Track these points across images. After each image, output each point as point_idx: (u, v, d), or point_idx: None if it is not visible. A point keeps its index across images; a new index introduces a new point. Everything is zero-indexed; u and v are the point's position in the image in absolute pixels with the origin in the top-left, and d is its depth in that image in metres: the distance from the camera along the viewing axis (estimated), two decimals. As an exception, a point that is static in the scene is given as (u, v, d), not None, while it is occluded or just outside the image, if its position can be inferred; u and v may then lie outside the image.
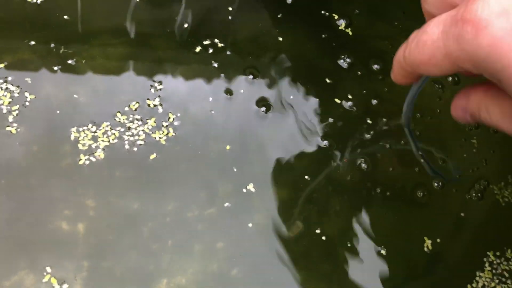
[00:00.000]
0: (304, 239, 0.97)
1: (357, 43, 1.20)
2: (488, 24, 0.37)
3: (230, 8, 1.16)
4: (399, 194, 1.07)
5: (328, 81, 1.13)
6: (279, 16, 1.20)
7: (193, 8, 1.15)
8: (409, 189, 1.08)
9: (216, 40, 1.11)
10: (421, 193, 1.07)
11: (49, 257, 0.86)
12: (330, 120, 1.08)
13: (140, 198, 0.93)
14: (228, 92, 1.06)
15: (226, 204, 0.96)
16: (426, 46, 0.46)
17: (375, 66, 1.17)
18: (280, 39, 1.16)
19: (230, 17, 1.15)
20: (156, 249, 0.91)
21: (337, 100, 1.10)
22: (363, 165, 1.06)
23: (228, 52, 1.10)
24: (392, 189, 1.06)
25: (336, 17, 1.21)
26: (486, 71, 0.41)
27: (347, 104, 1.12)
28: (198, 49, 1.09)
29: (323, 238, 0.97)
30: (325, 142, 1.06)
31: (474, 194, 1.11)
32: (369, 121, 1.10)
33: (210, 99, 1.05)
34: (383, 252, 0.99)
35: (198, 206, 0.95)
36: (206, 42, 1.10)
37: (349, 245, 0.98)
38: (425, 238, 1.03)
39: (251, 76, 1.09)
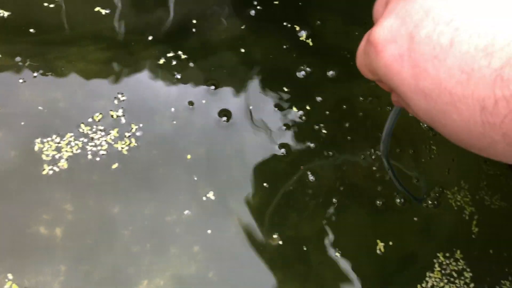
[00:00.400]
0: (283, 245, 1.02)
1: (317, 53, 1.24)
2: (383, 49, 0.42)
3: (194, 21, 1.20)
4: (358, 200, 1.12)
5: (286, 89, 1.17)
6: (242, 27, 1.24)
7: (159, 21, 1.18)
8: (367, 196, 1.13)
9: (180, 52, 1.15)
10: (380, 202, 1.13)
11: (26, 262, 0.89)
12: (289, 129, 1.13)
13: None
14: (190, 103, 1.10)
15: (186, 212, 1.00)
16: (358, 56, 0.53)
17: (331, 73, 1.22)
18: (242, 50, 1.20)
19: (194, 30, 1.19)
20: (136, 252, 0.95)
21: (295, 109, 1.15)
22: (318, 173, 1.11)
23: (191, 64, 1.14)
24: (350, 196, 1.11)
25: (297, 28, 1.25)
26: (388, 85, 0.46)
27: (305, 113, 1.16)
28: (162, 61, 1.13)
29: (294, 242, 1.03)
30: (283, 150, 1.11)
31: (430, 202, 1.17)
32: (324, 131, 1.15)
33: (173, 109, 1.08)
34: (338, 254, 1.04)
35: (158, 213, 0.99)
36: (170, 54, 1.14)
37: (316, 247, 1.03)
38: (378, 241, 1.09)
39: (212, 87, 1.13)
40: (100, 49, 1.12)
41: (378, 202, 1.12)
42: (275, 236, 1.03)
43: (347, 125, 1.17)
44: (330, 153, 1.14)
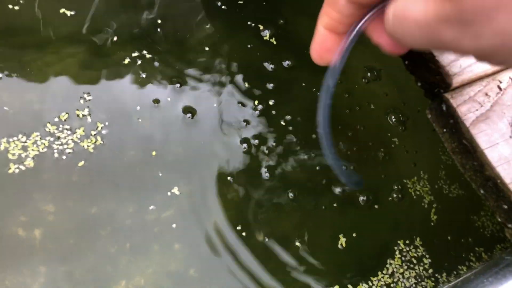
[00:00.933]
0: (253, 239, 1.06)
1: (280, 51, 1.27)
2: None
3: (159, 21, 1.22)
4: (318, 195, 1.16)
5: (247, 85, 1.20)
6: (207, 26, 1.26)
7: (124, 21, 1.20)
8: (320, 189, 1.17)
9: (145, 52, 1.17)
10: (340, 190, 1.17)
11: (5, 265, 0.93)
12: (251, 124, 1.16)
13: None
14: (156, 101, 1.13)
15: (151, 207, 1.03)
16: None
17: (287, 63, 1.26)
18: (207, 48, 1.23)
19: (158, 29, 1.21)
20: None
21: (258, 105, 1.18)
22: (285, 168, 1.15)
23: (156, 63, 1.17)
24: (304, 190, 1.15)
25: (261, 27, 1.28)
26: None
27: (267, 109, 1.20)
28: (127, 60, 1.15)
29: (268, 239, 1.07)
30: (245, 145, 1.14)
31: (395, 195, 1.21)
32: (290, 127, 1.19)
33: (138, 108, 1.11)
34: (301, 246, 1.09)
35: (124, 209, 1.02)
36: (135, 54, 1.16)
37: (283, 242, 1.08)
38: (340, 236, 1.13)
39: (177, 85, 1.16)
40: (65, 49, 1.14)
41: (338, 191, 1.16)
42: (238, 228, 1.07)
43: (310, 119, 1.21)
44: (297, 147, 1.18)
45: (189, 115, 1.14)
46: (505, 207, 0.73)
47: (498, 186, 0.73)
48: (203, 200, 1.08)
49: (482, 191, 0.77)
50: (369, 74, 1.31)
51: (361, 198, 1.17)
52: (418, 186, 1.24)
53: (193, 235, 1.04)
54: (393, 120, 1.30)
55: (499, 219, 0.76)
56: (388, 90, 1.33)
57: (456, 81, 0.78)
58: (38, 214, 0.96)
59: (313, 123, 1.20)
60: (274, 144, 1.16)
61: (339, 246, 1.11)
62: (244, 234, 1.06)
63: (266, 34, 1.28)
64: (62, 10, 1.16)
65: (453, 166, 1.28)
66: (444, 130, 0.81)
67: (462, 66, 0.79)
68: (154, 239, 1.01)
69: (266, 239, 1.07)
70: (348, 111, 1.27)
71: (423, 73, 0.83)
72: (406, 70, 0.85)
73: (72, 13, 1.16)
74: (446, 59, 0.78)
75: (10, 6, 1.13)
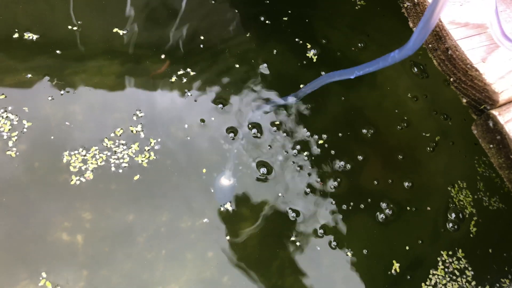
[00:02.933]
0: (286, 248, 1.11)
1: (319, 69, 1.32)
2: None
3: (201, 37, 1.29)
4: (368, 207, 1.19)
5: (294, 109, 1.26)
6: (251, 43, 1.32)
7: (169, 39, 1.27)
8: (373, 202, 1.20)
9: (189, 70, 1.24)
10: (388, 211, 1.20)
11: (49, 268, 0.98)
12: (304, 150, 1.21)
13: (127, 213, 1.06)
14: (202, 120, 1.19)
15: (205, 220, 1.09)
16: None
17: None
18: (250, 65, 1.28)
19: (201, 46, 1.28)
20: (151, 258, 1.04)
21: (307, 132, 1.24)
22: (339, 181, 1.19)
23: (200, 82, 1.23)
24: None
25: (309, 46, 1.34)
26: None
27: (318, 137, 1.24)
28: (174, 78, 1.22)
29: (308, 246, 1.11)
30: (296, 168, 1.19)
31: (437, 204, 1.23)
32: (332, 152, 1.23)
33: (186, 126, 1.17)
34: (349, 254, 1.12)
35: (179, 221, 1.07)
36: (180, 72, 1.23)
37: (325, 249, 1.11)
38: (394, 261, 1.15)
39: (220, 105, 1.22)
40: (115, 68, 1.22)
41: (386, 210, 1.20)
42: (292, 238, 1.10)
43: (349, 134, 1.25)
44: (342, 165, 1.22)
45: (231, 134, 1.19)
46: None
47: (547, 200, 0.75)
48: (252, 214, 1.12)
49: (530, 205, 0.79)
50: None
51: (408, 207, 1.20)
52: (461, 196, 1.25)
53: (233, 245, 1.08)
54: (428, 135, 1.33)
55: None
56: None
57: (503, 98, 0.81)
58: (81, 222, 1.02)
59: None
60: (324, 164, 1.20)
61: (393, 271, 1.13)
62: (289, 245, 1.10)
63: (311, 52, 1.33)
64: (115, 30, 1.24)
65: (490, 178, 1.29)
66: (491, 145, 0.83)
67: (509, 83, 0.81)
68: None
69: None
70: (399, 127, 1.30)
71: (468, 90, 0.85)
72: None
73: (125, 32, 1.24)
74: (493, 76, 0.81)
75: (70, 27, 1.22)
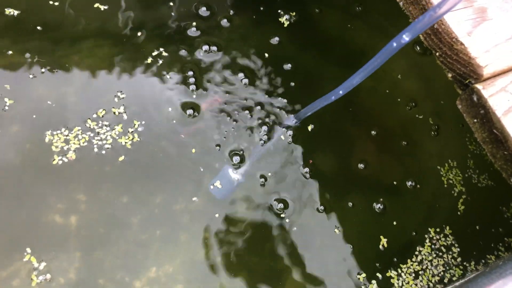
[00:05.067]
0: (279, 228, 1.10)
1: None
2: None
3: (194, 23, 1.27)
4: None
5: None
6: (234, 20, 1.30)
7: (153, 17, 1.25)
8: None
9: (166, 49, 1.22)
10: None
11: (42, 249, 0.98)
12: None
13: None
14: (187, 103, 1.18)
15: (194, 199, 1.08)
16: None
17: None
18: (236, 51, 1.26)
19: (195, 29, 1.26)
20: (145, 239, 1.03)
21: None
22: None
23: (179, 64, 1.21)
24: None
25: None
26: None
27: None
28: (149, 60, 1.20)
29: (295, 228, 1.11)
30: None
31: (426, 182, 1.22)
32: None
33: (170, 109, 1.16)
34: (337, 231, 1.11)
35: (168, 200, 1.07)
36: (165, 54, 1.21)
37: (320, 231, 1.11)
38: (381, 236, 1.15)
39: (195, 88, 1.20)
40: (97, 45, 1.19)
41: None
42: (283, 215, 1.10)
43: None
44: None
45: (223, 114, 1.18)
46: (537, 196, 0.74)
47: (529, 175, 0.74)
48: (245, 192, 1.12)
49: (513, 180, 0.79)
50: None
51: (409, 183, 1.20)
52: (451, 174, 1.25)
53: (226, 223, 1.08)
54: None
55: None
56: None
57: (487, 72, 0.79)
58: (74, 204, 1.01)
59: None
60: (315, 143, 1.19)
61: (381, 246, 1.13)
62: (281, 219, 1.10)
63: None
64: (96, 5, 1.22)
65: (480, 156, 1.28)
66: (475, 120, 0.82)
67: (494, 57, 0.80)
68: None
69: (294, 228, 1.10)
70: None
71: (453, 64, 0.84)
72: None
73: (106, 7, 1.22)
74: (478, 50, 0.79)
75: (51, 2, 1.20)
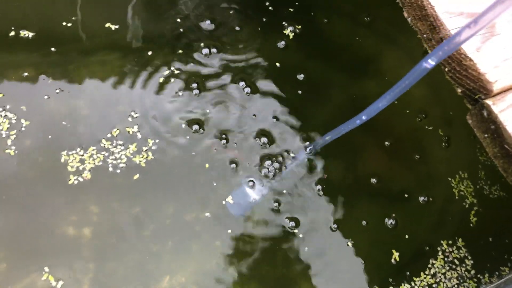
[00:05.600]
0: (292, 238, 1.12)
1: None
2: None
3: (201, 43, 1.29)
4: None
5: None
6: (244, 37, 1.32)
7: (163, 32, 1.28)
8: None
9: (181, 66, 1.24)
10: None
11: (57, 261, 0.99)
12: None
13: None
14: (198, 120, 1.20)
15: (207, 214, 1.10)
16: None
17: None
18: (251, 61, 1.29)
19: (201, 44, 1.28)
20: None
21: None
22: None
23: (194, 84, 1.24)
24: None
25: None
26: None
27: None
28: (161, 79, 1.22)
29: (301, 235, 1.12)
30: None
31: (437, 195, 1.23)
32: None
33: (183, 125, 1.18)
34: (349, 244, 1.12)
35: (183, 214, 1.08)
36: (177, 72, 1.23)
37: (330, 243, 1.12)
38: (393, 250, 1.15)
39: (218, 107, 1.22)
40: (112, 67, 1.22)
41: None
42: (295, 230, 1.11)
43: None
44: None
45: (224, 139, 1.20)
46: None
47: (542, 190, 0.75)
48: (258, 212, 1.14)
49: (525, 195, 0.79)
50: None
51: (421, 198, 1.20)
52: (462, 186, 1.25)
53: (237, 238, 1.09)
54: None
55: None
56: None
57: (497, 88, 0.80)
58: (87, 216, 1.03)
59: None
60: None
61: (393, 260, 1.14)
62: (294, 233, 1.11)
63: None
64: (107, 25, 1.25)
65: (491, 167, 1.28)
66: (486, 135, 0.82)
67: (503, 72, 0.80)
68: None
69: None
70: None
71: (463, 79, 0.84)
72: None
73: (117, 26, 1.25)
74: (487, 65, 0.80)
75: (64, 23, 1.23)
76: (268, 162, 1.17)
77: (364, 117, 0.93)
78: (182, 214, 1.09)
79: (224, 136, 1.19)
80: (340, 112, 1.28)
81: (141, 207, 1.07)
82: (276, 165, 1.17)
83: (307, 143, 1.20)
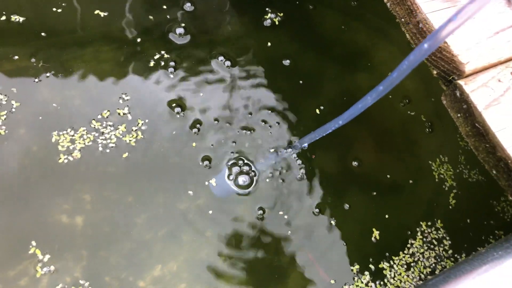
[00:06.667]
0: (274, 222, 1.15)
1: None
2: None
3: (182, 24, 1.31)
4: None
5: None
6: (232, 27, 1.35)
7: (154, 21, 1.30)
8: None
9: (171, 53, 1.27)
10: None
11: (50, 248, 1.02)
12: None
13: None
14: (182, 100, 1.23)
15: (190, 192, 1.12)
16: None
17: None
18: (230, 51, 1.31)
19: (182, 30, 1.31)
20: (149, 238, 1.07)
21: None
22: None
23: (183, 64, 1.26)
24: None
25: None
26: None
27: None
28: (152, 63, 1.25)
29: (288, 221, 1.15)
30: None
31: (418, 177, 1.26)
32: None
33: (174, 104, 1.21)
34: (333, 222, 1.16)
35: (169, 198, 1.11)
36: (162, 54, 1.26)
37: (315, 225, 1.15)
38: (374, 229, 1.19)
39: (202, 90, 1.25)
40: (101, 49, 1.24)
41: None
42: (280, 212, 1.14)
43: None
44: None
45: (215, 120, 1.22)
46: (516, 185, 0.78)
47: (509, 166, 0.79)
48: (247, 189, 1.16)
49: (494, 172, 0.83)
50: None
51: (402, 181, 1.24)
52: (442, 169, 1.28)
53: (227, 222, 1.12)
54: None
55: (510, 198, 0.81)
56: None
57: (469, 69, 0.84)
58: (79, 203, 1.06)
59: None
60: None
61: (373, 238, 1.17)
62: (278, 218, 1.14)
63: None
64: (96, 12, 1.27)
65: (471, 152, 1.31)
66: (459, 115, 0.86)
67: (475, 54, 0.84)
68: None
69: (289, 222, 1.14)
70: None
71: (438, 61, 0.88)
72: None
73: (105, 13, 1.28)
74: (460, 47, 0.84)
75: (54, 9, 1.25)
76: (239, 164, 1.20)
77: (340, 122, 0.95)
78: (173, 199, 1.11)
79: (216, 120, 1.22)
80: (327, 101, 1.31)
81: (130, 188, 1.10)
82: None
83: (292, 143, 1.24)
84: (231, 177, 1.15)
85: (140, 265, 1.04)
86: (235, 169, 1.16)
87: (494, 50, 0.86)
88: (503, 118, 0.81)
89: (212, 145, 1.18)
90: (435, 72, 0.90)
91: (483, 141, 0.83)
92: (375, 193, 1.22)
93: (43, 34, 1.24)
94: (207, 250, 1.07)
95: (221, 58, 1.30)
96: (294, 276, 1.09)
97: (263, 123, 1.24)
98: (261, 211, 1.14)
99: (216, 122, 1.21)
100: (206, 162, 1.16)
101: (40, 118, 1.13)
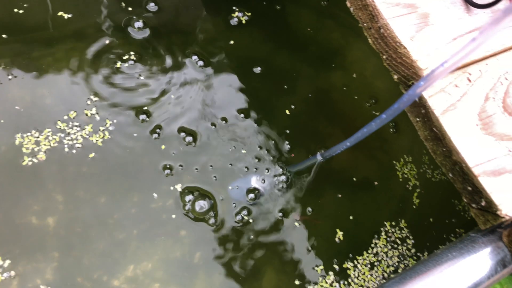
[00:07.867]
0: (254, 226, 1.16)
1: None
2: None
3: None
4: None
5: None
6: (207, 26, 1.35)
7: (121, 21, 1.30)
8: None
9: (141, 54, 1.26)
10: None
11: (21, 251, 1.00)
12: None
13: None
14: (154, 100, 1.22)
15: (154, 195, 1.12)
16: None
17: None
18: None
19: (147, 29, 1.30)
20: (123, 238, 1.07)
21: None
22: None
23: (153, 67, 1.26)
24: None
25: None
26: None
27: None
28: (119, 64, 1.24)
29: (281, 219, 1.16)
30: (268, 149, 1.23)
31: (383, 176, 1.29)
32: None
33: (145, 108, 1.20)
34: (297, 224, 1.17)
35: (141, 197, 1.11)
36: (132, 55, 1.26)
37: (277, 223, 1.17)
38: (337, 230, 1.21)
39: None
40: (68, 49, 1.23)
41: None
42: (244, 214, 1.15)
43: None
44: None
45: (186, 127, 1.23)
46: (469, 188, 0.81)
47: (463, 170, 0.81)
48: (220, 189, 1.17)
49: (450, 175, 0.86)
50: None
51: (366, 181, 1.26)
52: (406, 169, 1.32)
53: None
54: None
55: (464, 200, 0.84)
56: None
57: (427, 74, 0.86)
58: (50, 204, 1.05)
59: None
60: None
61: (336, 239, 1.19)
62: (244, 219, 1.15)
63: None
64: (60, 13, 1.26)
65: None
66: (418, 119, 0.89)
67: (434, 60, 0.87)
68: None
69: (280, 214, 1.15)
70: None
71: (398, 66, 0.90)
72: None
73: (70, 15, 1.26)
74: (419, 53, 0.86)
75: (15, 10, 1.23)
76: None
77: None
78: (145, 200, 1.11)
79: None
80: (300, 100, 1.33)
81: (99, 187, 1.09)
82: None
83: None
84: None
85: (114, 265, 1.04)
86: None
87: (452, 56, 0.89)
88: (459, 122, 0.83)
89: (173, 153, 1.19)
90: (395, 77, 0.92)
91: (440, 145, 0.86)
92: (340, 195, 1.24)
93: (4, 36, 1.21)
94: (181, 250, 1.08)
95: (194, 57, 1.30)
96: (268, 276, 1.11)
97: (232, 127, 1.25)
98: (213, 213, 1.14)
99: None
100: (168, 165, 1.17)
101: (2, 121, 1.11)
